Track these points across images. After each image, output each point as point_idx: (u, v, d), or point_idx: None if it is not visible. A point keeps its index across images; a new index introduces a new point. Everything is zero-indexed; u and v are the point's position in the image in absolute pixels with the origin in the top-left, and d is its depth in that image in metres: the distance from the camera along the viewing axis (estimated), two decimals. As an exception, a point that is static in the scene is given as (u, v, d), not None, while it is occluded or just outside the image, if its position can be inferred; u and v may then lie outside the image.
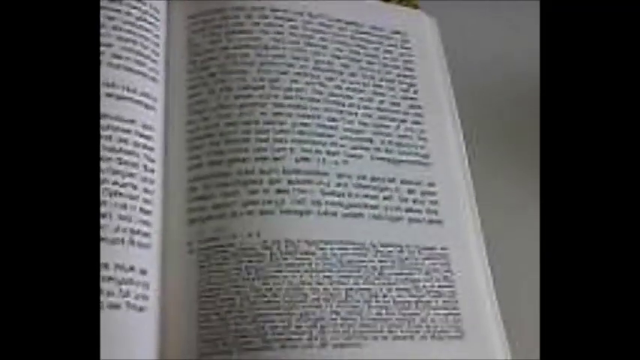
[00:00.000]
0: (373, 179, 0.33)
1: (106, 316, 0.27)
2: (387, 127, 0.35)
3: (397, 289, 0.31)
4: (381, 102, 0.36)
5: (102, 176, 0.29)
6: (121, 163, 0.30)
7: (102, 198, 0.29)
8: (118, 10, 0.33)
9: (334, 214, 0.32)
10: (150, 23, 0.34)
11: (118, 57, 0.32)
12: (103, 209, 0.29)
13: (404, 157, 0.34)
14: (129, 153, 0.31)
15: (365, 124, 0.35)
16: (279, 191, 0.31)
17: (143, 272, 0.29)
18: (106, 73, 0.31)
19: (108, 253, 0.28)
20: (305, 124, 0.33)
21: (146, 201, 0.30)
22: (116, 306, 0.28)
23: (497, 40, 0.44)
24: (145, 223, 0.30)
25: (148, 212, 0.30)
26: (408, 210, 0.33)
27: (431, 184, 0.34)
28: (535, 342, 0.28)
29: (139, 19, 0.34)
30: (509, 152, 0.40)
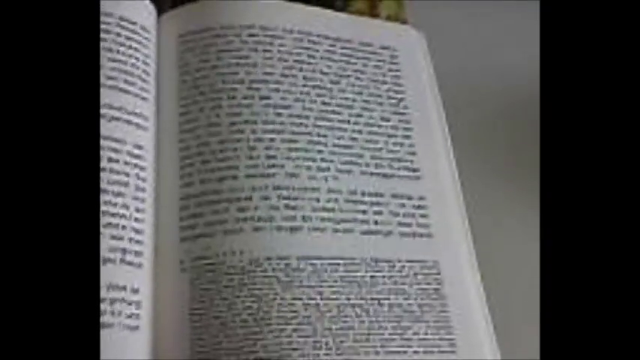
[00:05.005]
0: (363, 194, 0.33)
1: (98, 336, 0.28)
2: (377, 142, 0.35)
3: (389, 303, 0.31)
4: (371, 117, 0.36)
5: (93, 196, 0.30)
6: (111, 183, 0.30)
7: (93, 218, 0.29)
8: (108, 32, 0.33)
9: (325, 229, 0.32)
10: (140, 43, 0.34)
11: (109, 78, 0.32)
12: (94, 229, 0.29)
13: (394, 172, 0.35)
14: (120, 173, 0.31)
15: (355, 139, 0.35)
16: (270, 208, 0.32)
17: (135, 291, 0.29)
18: (97, 94, 0.32)
19: (100, 273, 0.28)
20: (295, 141, 0.33)
21: (137, 220, 0.31)
22: (109, 325, 0.28)
23: (497, 45, 0.44)
24: (137, 242, 0.30)
25: (139, 231, 0.30)
26: (399, 224, 0.33)
27: (421, 198, 0.34)
28: (535, 345, 0.28)
29: (129, 39, 0.34)
30: (509, 159, 0.40)
